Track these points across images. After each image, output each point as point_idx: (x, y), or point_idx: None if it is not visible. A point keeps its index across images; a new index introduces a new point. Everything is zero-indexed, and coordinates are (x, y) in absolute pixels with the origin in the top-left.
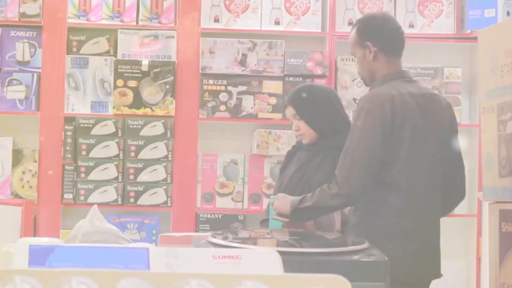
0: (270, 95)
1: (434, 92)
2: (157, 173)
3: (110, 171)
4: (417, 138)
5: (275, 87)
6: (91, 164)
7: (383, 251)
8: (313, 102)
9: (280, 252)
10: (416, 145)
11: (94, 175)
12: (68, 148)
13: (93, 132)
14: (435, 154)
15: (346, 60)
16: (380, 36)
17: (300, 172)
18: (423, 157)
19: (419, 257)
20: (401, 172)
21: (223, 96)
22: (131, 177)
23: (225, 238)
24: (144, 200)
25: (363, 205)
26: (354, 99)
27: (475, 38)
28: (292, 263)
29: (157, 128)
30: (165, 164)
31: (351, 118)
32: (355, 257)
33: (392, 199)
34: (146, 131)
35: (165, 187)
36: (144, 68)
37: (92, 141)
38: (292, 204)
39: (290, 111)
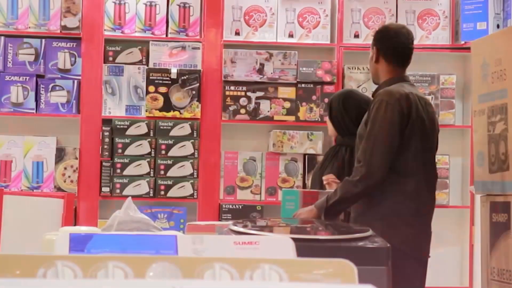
0: (285, 99)
1: (427, 97)
2: (185, 169)
3: (143, 167)
4: (424, 132)
5: (289, 92)
6: (126, 161)
7: (399, 232)
8: (335, 104)
9: (294, 239)
10: (423, 138)
11: (129, 171)
12: (105, 146)
13: (128, 132)
14: (433, 148)
15: (352, 68)
16: (385, 45)
17: (320, 164)
18: (428, 149)
19: (427, 236)
20: (412, 161)
21: (243, 101)
22: (162, 172)
23: (245, 226)
24: (173, 192)
25: (375, 192)
26: None
27: (468, 48)
28: (304, 248)
29: (184, 129)
30: (191, 161)
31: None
32: (360, 243)
33: (404, 185)
34: (175, 132)
35: (191, 181)
36: (173, 75)
37: (127, 141)
38: (320, 206)
39: None
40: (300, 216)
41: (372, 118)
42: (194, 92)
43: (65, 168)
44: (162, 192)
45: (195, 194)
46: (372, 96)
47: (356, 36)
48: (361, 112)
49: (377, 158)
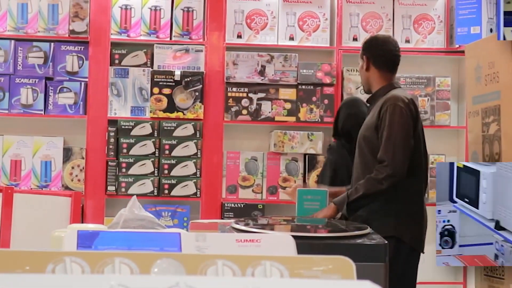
0: (285, 101)
1: (424, 98)
2: (188, 168)
3: (148, 166)
4: (422, 134)
5: (289, 94)
6: (131, 160)
7: (409, 229)
8: (339, 108)
9: (294, 237)
10: (423, 139)
11: (134, 170)
12: (111, 146)
13: (132, 132)
14: (427, 151)
15: (351, 71)
16: (374, 53)
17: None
18: (425, 149)
19: (425, 232)
20: (418, 162)
21: (245, 102)
22: (166, 171)
23: (246, 225)
24: (177, 191)
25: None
26: None
27: (463, 52)
28: (304, 246)
29: (188, 129)
30: (194, 160)
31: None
32: (359, 240)
33: (412, 185)
34: (178, 132)
35: (194, 180)
36: (177, 77)
37: (132, 141)
38: (340, 203)
39: None
40: (319, 215)
41: (389, 122)
42: (197, 93)
43: (73, 168)
44: (166, 191)
45: (198, 193)
46: (368, 102)
47: (355, 39)
48: (348, 123)
49: (400, 158)
